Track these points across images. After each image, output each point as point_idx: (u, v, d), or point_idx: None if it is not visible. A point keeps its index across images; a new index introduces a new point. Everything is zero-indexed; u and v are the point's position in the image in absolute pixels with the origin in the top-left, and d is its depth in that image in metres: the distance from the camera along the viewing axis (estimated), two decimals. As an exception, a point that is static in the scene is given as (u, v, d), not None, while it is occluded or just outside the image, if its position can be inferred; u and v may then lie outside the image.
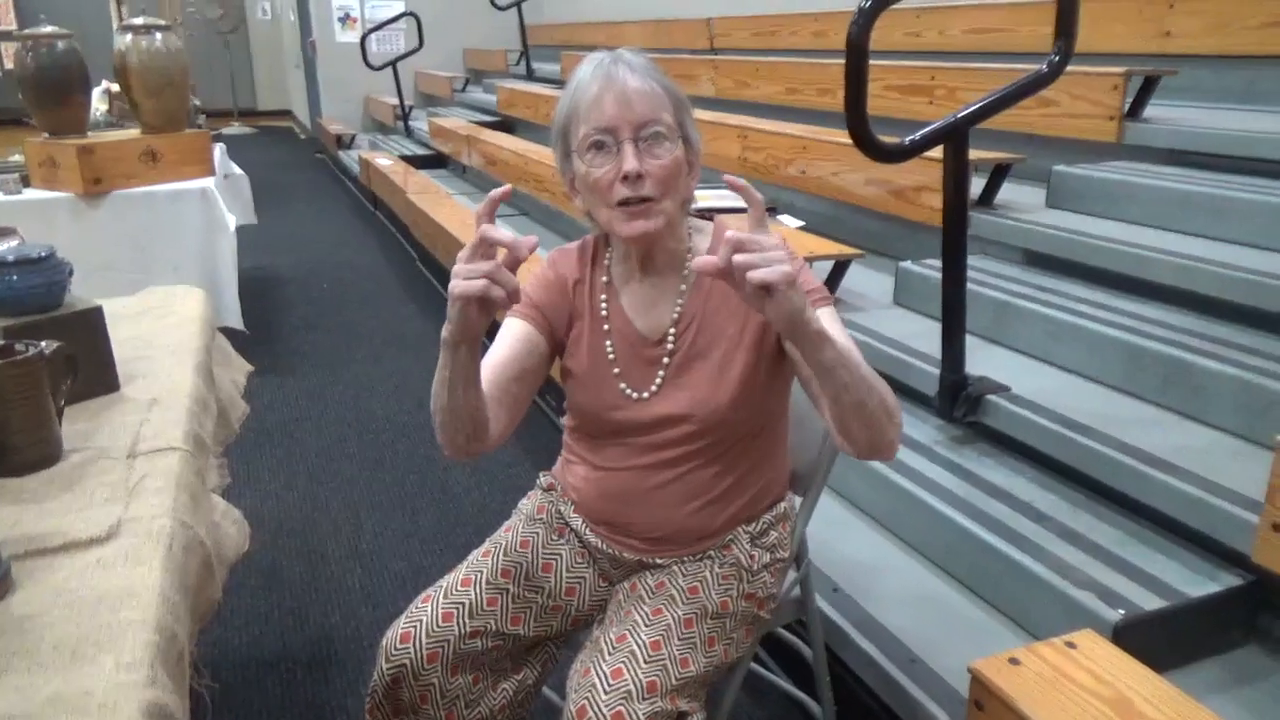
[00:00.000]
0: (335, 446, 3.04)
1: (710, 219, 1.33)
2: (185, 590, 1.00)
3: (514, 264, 0.99)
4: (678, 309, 1.28)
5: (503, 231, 0.97)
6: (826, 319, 1.19)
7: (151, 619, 0.87)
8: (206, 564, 1.11)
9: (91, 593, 0.91)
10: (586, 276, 1.33)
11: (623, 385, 1.28)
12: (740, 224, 1.21)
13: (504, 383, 1.23)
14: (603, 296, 1.31)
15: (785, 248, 0.98)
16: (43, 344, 1.16)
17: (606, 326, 1.30)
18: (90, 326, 1.38)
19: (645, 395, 1.28)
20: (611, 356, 1.29)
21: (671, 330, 1.27)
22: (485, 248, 0.98)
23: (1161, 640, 1.51)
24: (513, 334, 1.28)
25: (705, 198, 3.65)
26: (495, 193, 1.00)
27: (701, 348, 1.26)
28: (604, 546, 1.34)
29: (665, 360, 1.27)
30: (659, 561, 1.32)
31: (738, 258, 0.94)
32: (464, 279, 0.98)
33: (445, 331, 1.05)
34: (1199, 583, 1.58)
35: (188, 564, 1.03)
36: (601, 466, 1.33)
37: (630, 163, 1.15)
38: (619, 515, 1.32)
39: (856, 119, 1.85)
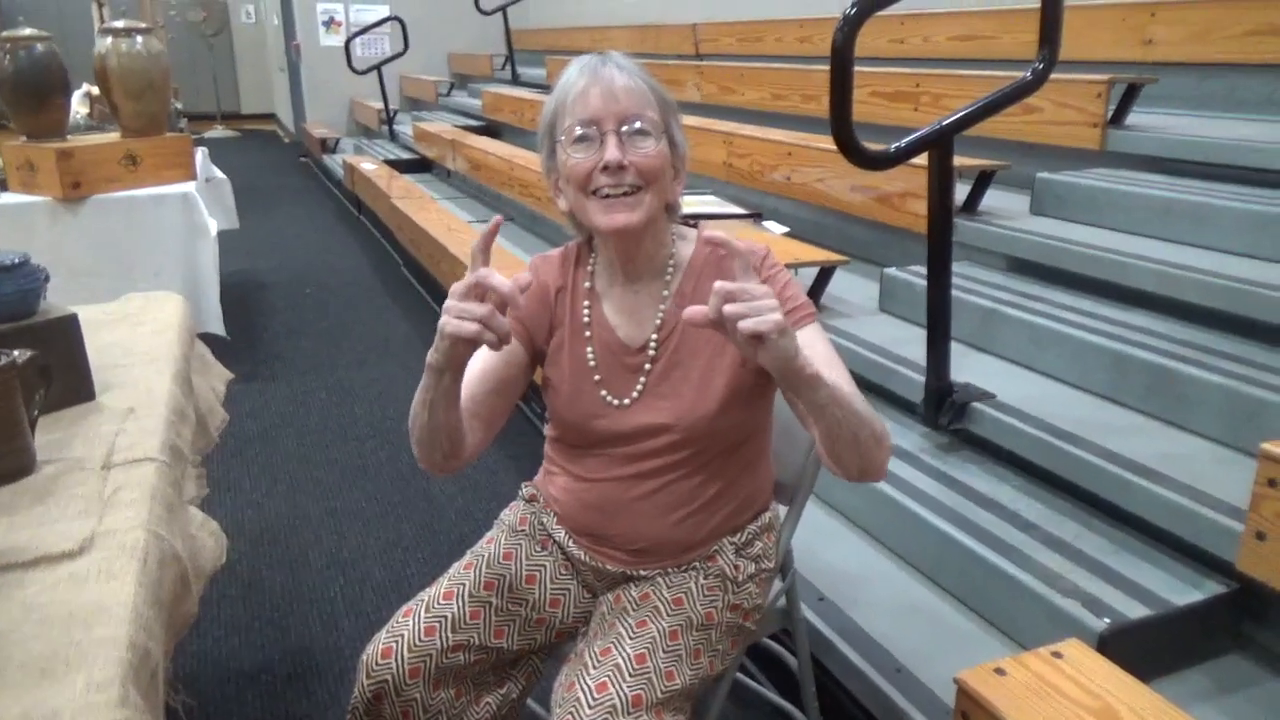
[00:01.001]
0: (317, 453, 3.01)
1: (694, 226, 1.32)
2: (160, 605, 0.98)
3: (503, 306, 1.00)
4: (660, 316, 1.27)
5: (500, 279, 0.98)
6: (811, 335, 1.19)
7: (124, 636, 0.85)
8: (182, 578, 1.08)
9: (62, 609, 0.89)
10: (569, 283, 1.31)
11: (604, 393, 1.27)
12: (728, 228, 1.20)
13: (481, 396, 1.24)
14: (585, 303, 1.30)
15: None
16: (15, 353, 1.14)
17: (588, 334, 1.29)
18: (65, 334, 1.35)
19: (626, 402, 1.26)
20: (593, 364, 1.28)
21: (654, 337, 1.26)
22: (479, 290, 0.99)
23: (1147, 649, 1.50)
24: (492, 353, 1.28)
25: (689, 204, 3.64)
26: (487, 226, 1.02)
27: (684, 356, 1.25)
28: (586, 558, 1.33)
29: (647, 367, 1.26)
30: (643, 573, 1.30)
31: (728, 308, 0.95)
32: (456, 318, 0.99)
33: (431, 357, 1.05)
34: (1184, 591, 1.58)
35: (163, 578, 1.01)
36: (583, 477, 1.31)
37: (612, 153, 1.15)
38: (601, 526, 1.31)
39: (842, 125, 1.85)
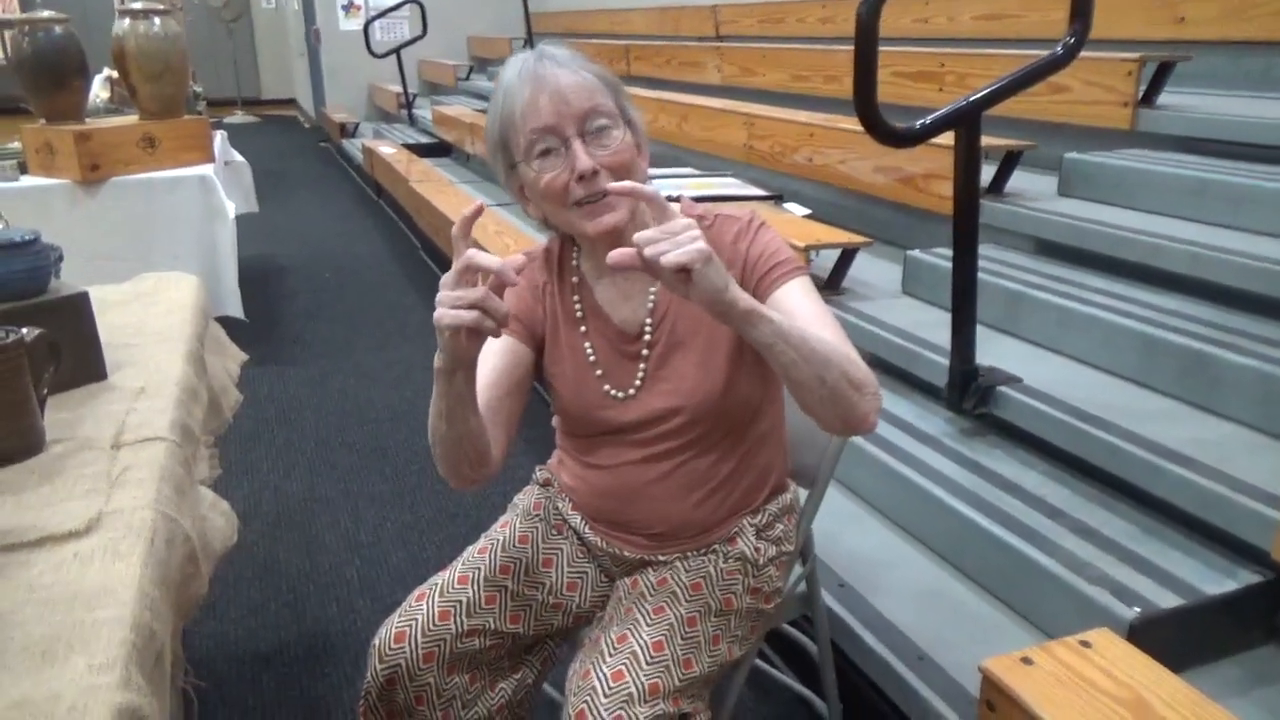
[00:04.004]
0: (335, 436, 3.01)
1: (677, 201, 1.29)
2: (167, 585, 0.96)
3: (500, 288, 0.96)
4: (651, 299, 1.23)
5: (488, 257, 0.94)
6: (796, 290, 1.16)
7: (128, 617, 0.83)
8: (191, 558, 1.07)
9: (66, 590, 0.87)
10: (554, 278, 1.28)
11: (606, 386, 1.24)
12: (745, 210, 1.17)
13: (495, 402, 1.20)
14: (575, 298, 1.26)
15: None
16: (24, 330, 1.12)
17: (584, 328, 1.26)
18: (76, 313, 1.34)
19: (631, 393, 1.24)
20: (593, 358, 1.25)
21: (648, 321, 1.23)
22: (470, 274, 0.95)
23: (1178, 639, 1.46)
24: (496, 350, 1.24)
25: (709, 186, 3.60)
26: (467, 211, 0.97)
27: (682, 336, 1.22)
28: (604, 545, 1.30)
29: (645, 353, 1.23)
30: (662, 558, 1.28)
31: (648, 250, 0.93)
32: (451, 308, 0.95)
33: (438, 360, 1.02)
34: (1216, 580, 1.54)
35: (171, 558, 1.00)
36: (596, 465, 1.29)
37: (584, 161, 1.11)
38: (619, 513, 1.28)
39: (866, 102, 1.80)
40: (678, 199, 1.25)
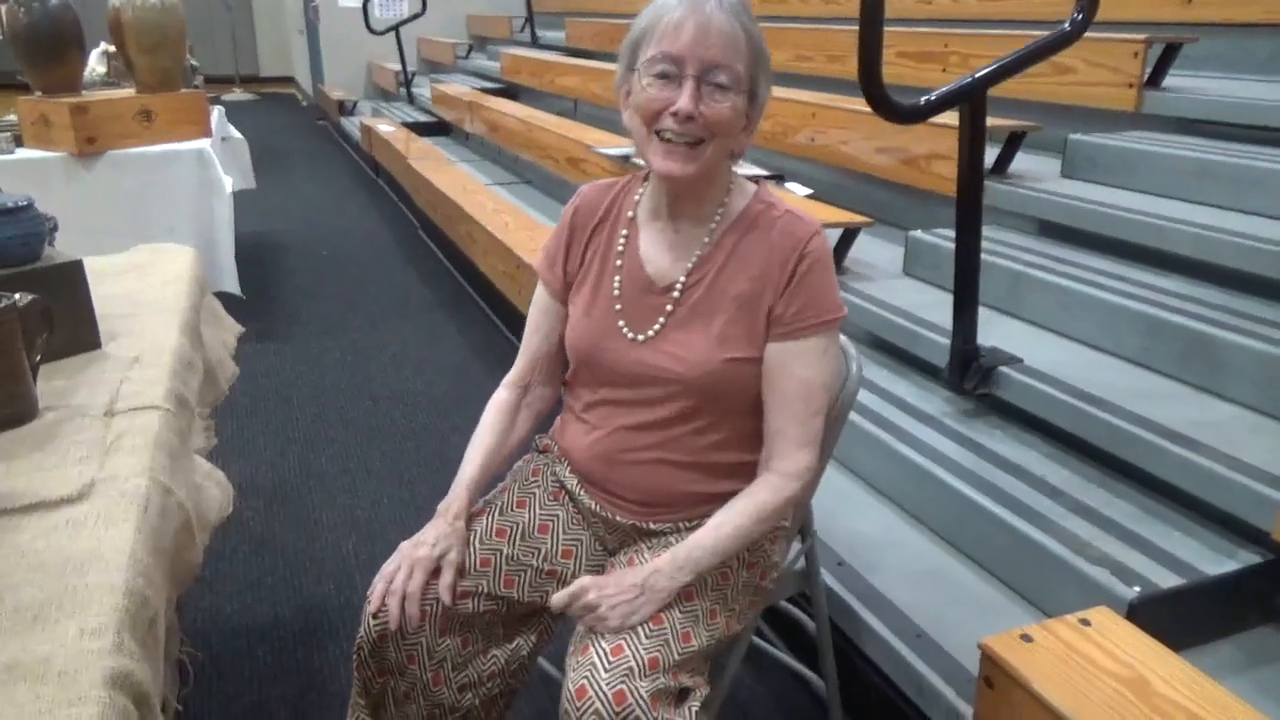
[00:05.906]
0: (331, 413, 2.99)
1: (757, 183, 1.27)
2: (161, 553, 0.95)
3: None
4: (693, 261, 1.23)
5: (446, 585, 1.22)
6: (801, 350, 1.18)
7: (120, 583, 0.82)
8: (186, 526, 1.06)
9: (58, 555, 0.86)
10: (611, 213, 1.30)
11: (621, 323, 1.25)
12: (814, 220, 1.23)
13: (553, 356, 1.36)
14: (623, 233, 1.28)
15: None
16: (16, 295, 1.11)
17: (619, 263, 1.27)
18: (70, 281, 1.32)
19: (640, 338, 1.23)
20: (617, 293, 1.26)
21: (682, 280, 1.23)
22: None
23: (1177, 618, 1.46)
24: (544, 312, 1.34)
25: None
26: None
27: (707, 309, 1.21)
28: (598, 508, 1.29)
29: (669, 309, 1.23)
30: (653, 527, 1.27)
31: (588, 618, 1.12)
32: (390, 582, 1.22)
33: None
34: (1216, 560, 1.53)
35: (164, 526, 0.99)
36: (594, 425, 1.29)
37: (685, 103, 1.11)
38: (610, 476, 1.28)
39: (870, 78, 1.78)
40: (757, 181, 1.25)
